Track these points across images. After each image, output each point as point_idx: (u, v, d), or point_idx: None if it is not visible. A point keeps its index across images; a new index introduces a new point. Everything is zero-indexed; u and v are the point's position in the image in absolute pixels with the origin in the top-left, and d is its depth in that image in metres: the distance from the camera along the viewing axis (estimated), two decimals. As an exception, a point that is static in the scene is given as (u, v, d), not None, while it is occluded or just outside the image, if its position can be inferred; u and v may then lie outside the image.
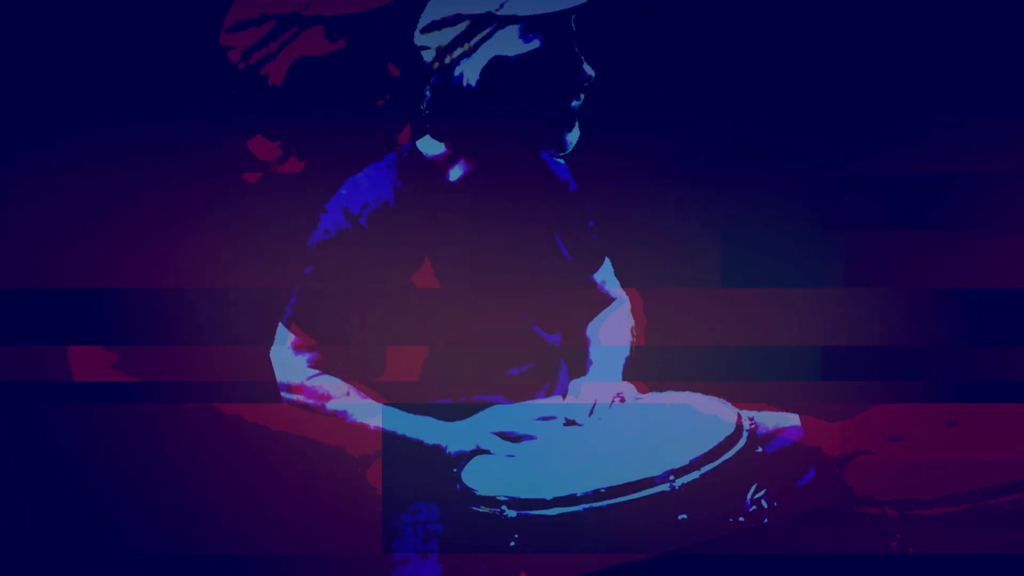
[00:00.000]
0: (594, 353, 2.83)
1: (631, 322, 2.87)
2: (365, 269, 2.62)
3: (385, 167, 2.68)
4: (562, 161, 2.82)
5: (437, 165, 2.68)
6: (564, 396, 2.72)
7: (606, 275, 2.89)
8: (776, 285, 2.82)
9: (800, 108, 2.89)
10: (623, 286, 2.92)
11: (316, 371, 2.63)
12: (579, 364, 2.81)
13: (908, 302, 2.82)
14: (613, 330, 2.87)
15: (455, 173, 2.68)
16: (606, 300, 2.89)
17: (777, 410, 2.64)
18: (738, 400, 2.59)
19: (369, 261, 2.62)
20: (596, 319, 2.88)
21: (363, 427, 2.61)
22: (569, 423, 2.62)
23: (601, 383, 2.71)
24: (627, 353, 2.82)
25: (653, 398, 2.68)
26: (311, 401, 2.62)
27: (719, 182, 2.94)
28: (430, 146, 2.69)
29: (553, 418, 2.64)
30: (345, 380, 2.62)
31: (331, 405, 2.62)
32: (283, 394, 2.62)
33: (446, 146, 2.67)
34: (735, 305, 2.85)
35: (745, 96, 2.93)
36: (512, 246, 2.71)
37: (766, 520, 2.43)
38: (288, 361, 2.63)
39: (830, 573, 2.46)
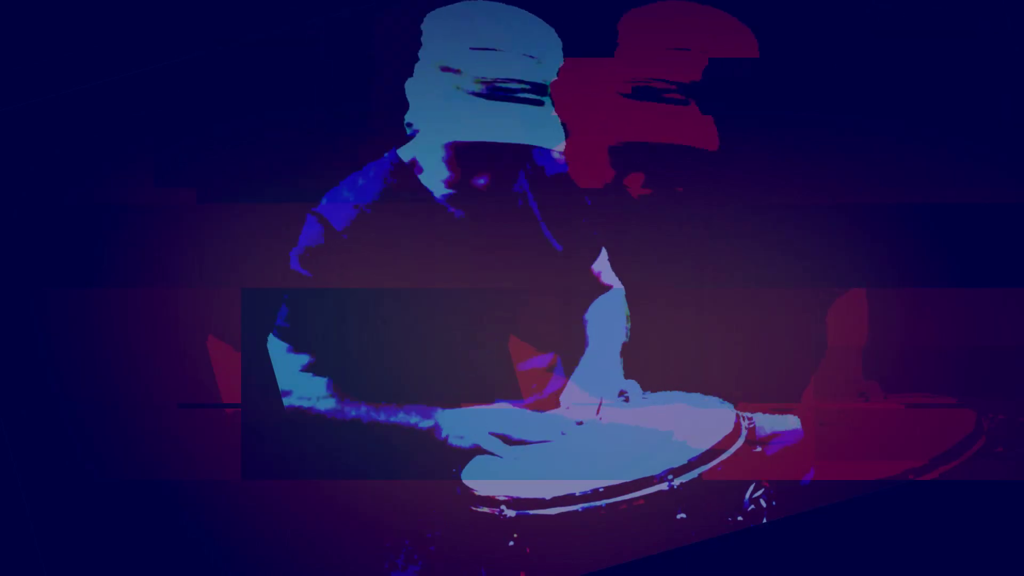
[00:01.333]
0: (591, 346, 2.83)
1: (626, 310, 2.87)
2: (348, 277, 2.65)
3: (366, 176, 2.70)
4: (559, 156, 2.83)
5: (418, 171, 2.70)
6: (562, 393, 2.73)
7: (602, 266, 2.90)
8: (777, 285, 2.83)
9: (802, 110, 2.89)
10: (626, 286, 2.92)
11: (309, 374, 2.66)
12: (576, 358, 2.82)
13: (908, 303, 2.83)
14: (608, 319, 2.87)
15: (435, 180, 2.70)
16: (603, 289, 2.90)
17: (776, 411, 2.64)
18: (737, 400, 2.60)
19: (351, 269, 2.65)
20: (593, 306, 2.88)
21: (357, 421, 2.64)
22: (568, 422, 2.63)
23: (600, 382, 2.72)
24: (622, 342, 2.82)
25: (652, 398, 2.69)
26: (304, 404, 2.65)
27: (724, 182, 2.94)
28: (411, 153, 2.71)
29: (552, 417, 2.65)
30: (336, 381, 2.66)
31: (322, 406, 2.65)
32: (283, 399, 2.66)
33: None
34: (735, 304, 2.86)
35: (754, 97, 2.93)
36: (500, 243, 2.73)
37: (764, 519, 2.44)
38: (283, 368, 2.66)
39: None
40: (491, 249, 2.73)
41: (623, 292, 2.87)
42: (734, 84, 2.83)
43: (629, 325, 2.83)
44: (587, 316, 2.85)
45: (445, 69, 2.65)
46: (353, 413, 2.65)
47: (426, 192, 2.70)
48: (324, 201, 2.68)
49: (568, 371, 2.75)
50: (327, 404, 2.65)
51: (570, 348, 2.80)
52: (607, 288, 2.89)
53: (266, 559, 2.66)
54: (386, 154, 2.73)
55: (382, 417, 2.65)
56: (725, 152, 2.87)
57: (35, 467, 2.74)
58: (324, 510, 2.64)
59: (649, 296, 2.85)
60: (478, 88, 2.62)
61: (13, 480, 2.74)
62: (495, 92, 2.62)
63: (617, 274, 2.89)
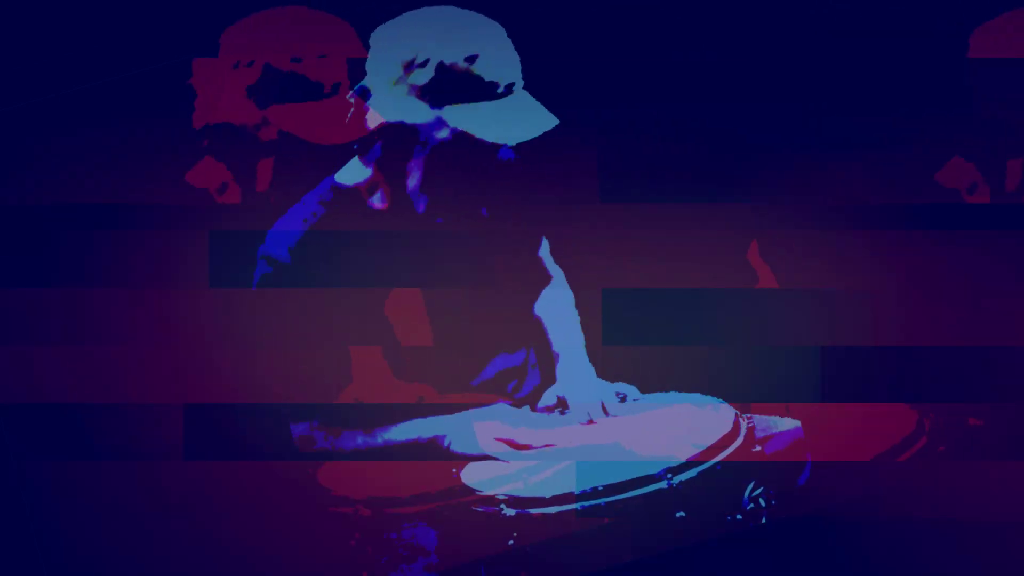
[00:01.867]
0: (556, 343, 2.82)
1: (572, 296, 2.86)
2: (306, 306, 2.65)
3: (304, 206, 2.70)
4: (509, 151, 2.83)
5: (358, 194, 2.70)
6: (541, 393, 2.73)
7: (544, 253, 2.88)
8: (777, 284, 2.84)
9: (796, 105, 2.90)
10: (624, 287, 2.92)
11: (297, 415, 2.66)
12: (545, 355, 2.81)
13: (904, 303, 2.84)
14: (561, 310, 2.86)
15: (378, 199, 2.70)
16: (547, 277, 2.89)
17: (776, 410, 2.65)
18: (738, 400, 2.61)
19: (306, 297, 2.65)
20: (541, 299, 2.87)
21: (356, 451, 2.64)
22: (568, 423, 2.64)
23: (597, 381, 2.72)
24: (582, 336, 2.82)
25: (651, 397, 2.69)
26: (309, 443, 2.65)
27: (712, 180, 2.95)
28: (349, 176, 2.71)
29: (553, 418, 2.65)
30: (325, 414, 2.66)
31: (323, 440, 2.65)
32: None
33: (372, 170, 2.68)
34: (734, 304, 2.87)
35: (741, 92, 2.94)
36: (451, 244, 2.72)
37: (764, 519, 2.45)
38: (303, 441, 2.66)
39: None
40: (454, 251, 2.72)
41: (563, 277, 2.85)
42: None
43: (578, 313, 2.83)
44: (537, 310, 2.84)
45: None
46: (354, 441, 2.64)
47: (367, 207, 2.69)
48: (267, 239, 2.67)
49: (543, 363, 2.76)
50: (328, 438, 2.64)
51: (541, 341, 2.80)
52: (549, 278, 2.87)
53: (265, 560, 2.66)
54: (323, 181, 2.72)
55: (382, 440, 2.64)
56: (712, 154, 2.88)
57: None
58: (323, 510, 2.65)
59: (650, 296, 2.86)
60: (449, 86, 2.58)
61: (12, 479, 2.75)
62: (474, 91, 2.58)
63: (618, 274, 2.90)
